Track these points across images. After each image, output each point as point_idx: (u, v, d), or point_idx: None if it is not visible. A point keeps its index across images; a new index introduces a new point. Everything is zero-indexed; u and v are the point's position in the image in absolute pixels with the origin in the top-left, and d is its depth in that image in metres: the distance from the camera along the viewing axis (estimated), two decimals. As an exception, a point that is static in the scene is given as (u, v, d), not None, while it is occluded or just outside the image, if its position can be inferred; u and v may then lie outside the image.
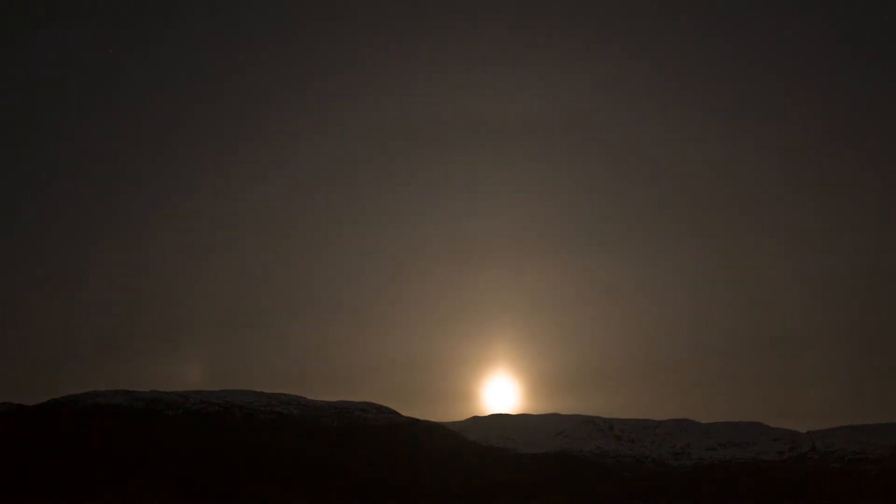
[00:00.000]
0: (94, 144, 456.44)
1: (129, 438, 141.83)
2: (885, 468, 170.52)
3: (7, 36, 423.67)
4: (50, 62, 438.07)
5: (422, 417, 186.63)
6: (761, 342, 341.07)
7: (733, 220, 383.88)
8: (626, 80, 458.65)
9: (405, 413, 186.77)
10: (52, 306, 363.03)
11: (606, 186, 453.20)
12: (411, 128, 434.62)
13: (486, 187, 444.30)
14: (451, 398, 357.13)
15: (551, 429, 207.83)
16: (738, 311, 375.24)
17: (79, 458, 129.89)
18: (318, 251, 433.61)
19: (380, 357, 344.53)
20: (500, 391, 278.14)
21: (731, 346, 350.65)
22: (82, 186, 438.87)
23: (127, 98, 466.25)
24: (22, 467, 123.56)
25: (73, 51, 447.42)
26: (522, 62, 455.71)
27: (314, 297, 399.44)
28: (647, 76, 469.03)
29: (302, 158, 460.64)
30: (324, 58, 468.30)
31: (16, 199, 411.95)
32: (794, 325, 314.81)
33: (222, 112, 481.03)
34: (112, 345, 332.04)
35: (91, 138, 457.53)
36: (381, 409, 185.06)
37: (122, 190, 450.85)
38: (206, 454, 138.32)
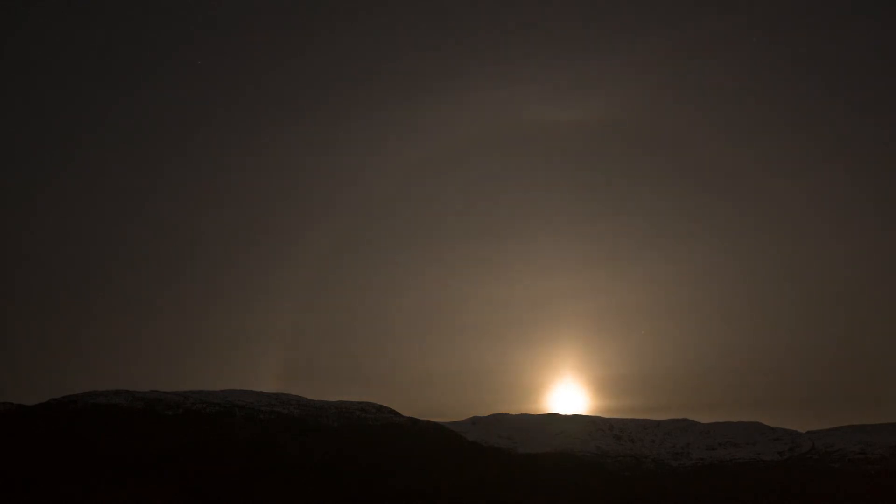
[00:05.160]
0: (95, 144, 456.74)
1: (129, 438, 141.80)
2: (886, 468, 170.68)
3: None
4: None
5: (422, 417, 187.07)
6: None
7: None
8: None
9: (405, 413, 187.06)
10: (53, 306, 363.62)
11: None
12: (477, 133, 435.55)
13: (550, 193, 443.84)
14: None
15: (551, 429, 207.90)
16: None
17: (79, 458, 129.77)
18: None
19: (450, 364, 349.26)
20: (567, 394, 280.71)
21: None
22: (85, 187, 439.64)
23: (155, 108, 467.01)
24: (22, 467, 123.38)
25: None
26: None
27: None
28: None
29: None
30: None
31: (17, 198, 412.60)
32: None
33: (231, 119, 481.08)
34: (112, 345, 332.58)
35: (101, 139, 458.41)
36: (381, 409, 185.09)
37: (126, 192, 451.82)
38: (206, 454, 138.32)
